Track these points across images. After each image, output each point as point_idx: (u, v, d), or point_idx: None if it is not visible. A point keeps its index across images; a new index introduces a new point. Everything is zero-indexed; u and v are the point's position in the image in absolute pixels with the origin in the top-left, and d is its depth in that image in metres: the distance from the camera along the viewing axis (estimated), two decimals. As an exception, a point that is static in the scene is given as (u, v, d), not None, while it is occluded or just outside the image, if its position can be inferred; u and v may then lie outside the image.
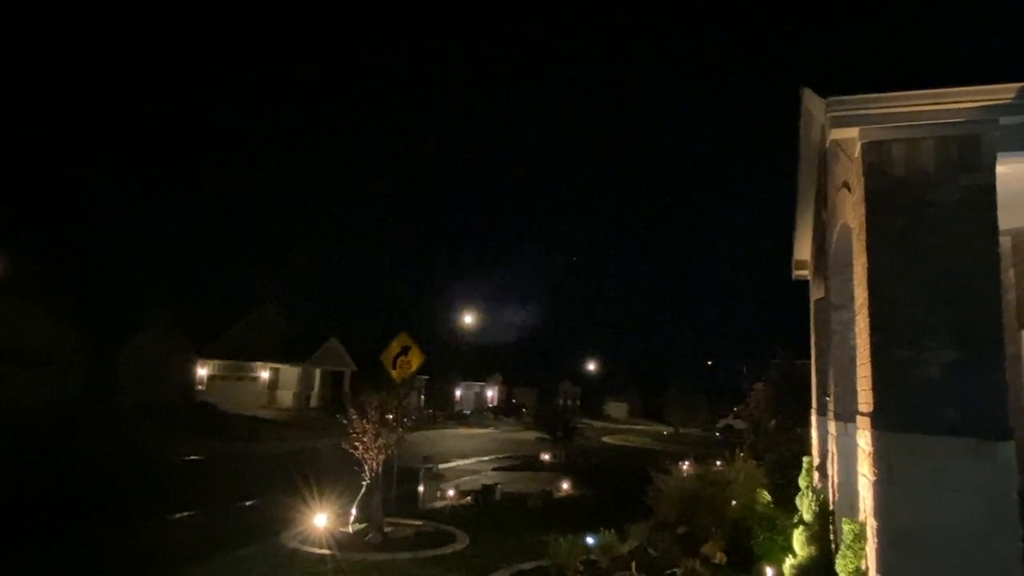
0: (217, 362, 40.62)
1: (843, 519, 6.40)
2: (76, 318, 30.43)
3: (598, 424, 53.29)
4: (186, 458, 20.67)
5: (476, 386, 63.86)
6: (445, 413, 48.29)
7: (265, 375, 42.99)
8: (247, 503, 13.30)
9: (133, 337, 33.25)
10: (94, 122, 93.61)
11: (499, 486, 14.75)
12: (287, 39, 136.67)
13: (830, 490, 9.20)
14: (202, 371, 39.50)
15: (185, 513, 11.98)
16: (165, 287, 42.15)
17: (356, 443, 10.44)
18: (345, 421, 10.57)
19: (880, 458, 5.14)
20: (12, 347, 27.60)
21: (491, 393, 67.35)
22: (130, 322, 33.79)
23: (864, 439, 5.57)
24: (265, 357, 42.15)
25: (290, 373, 43.64)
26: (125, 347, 32.65)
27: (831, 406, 8.99)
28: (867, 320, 5.46)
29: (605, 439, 39.92)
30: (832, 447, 8.95)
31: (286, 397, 43.04)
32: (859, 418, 5.89)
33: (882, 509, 5.09)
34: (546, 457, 22.94)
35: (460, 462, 22.39)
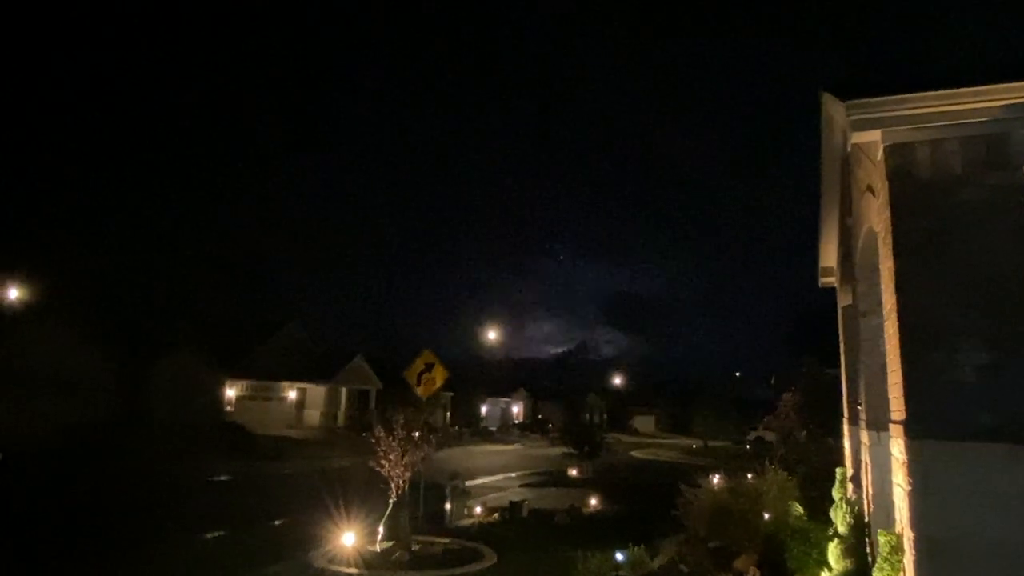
0: (245, 382, 41.07)
1: (879, 531, 6.23)
2: (108, 341, 31.01)
3: (625, 438, 52.78)
4: (215, 478, 20.87)
5: (501, 402, 63.66)
6: (471, 429, 48.20)
7: (292, 395, 43.35)
8: (275, 522, 13.37)
9: (163, 359, 33.79)
10: (124, 146, 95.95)
11: (527, 502, 14.64)
12: (318, 62, 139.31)
13: (865, 501, 8.97)
14: (230, 392, 39.94)
15: (215, 533, 12.07)
16: (193, 308, 42.92)
17: (383, 461, 10.46)
18: (372, 439, 10.59)
19: (914, 467, 5.00)
20: (46, 370, 28.18)
21: (516, 409, 67.04)
22: (160, 344, 34.38)
23: (897, 448, 5.43)
24: (292, 377, 42.54)
25: (317, 392, 43.95)
26: (155, 369, 33.17)
27: (863, 415, 8.79)
28: (897, 325, 5.33)
29: (633, 453, 39.52)
30: (865, 457, 8.75)
31: (313, 416, 43.31)
32: (892, 426, 5.75)
33: (918, 520, 4.95)
34: (573, 472, 22.78)
35: (487, 479, 22.29)
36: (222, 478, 21.09)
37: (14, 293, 31.75)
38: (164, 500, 16.40)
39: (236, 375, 39.62)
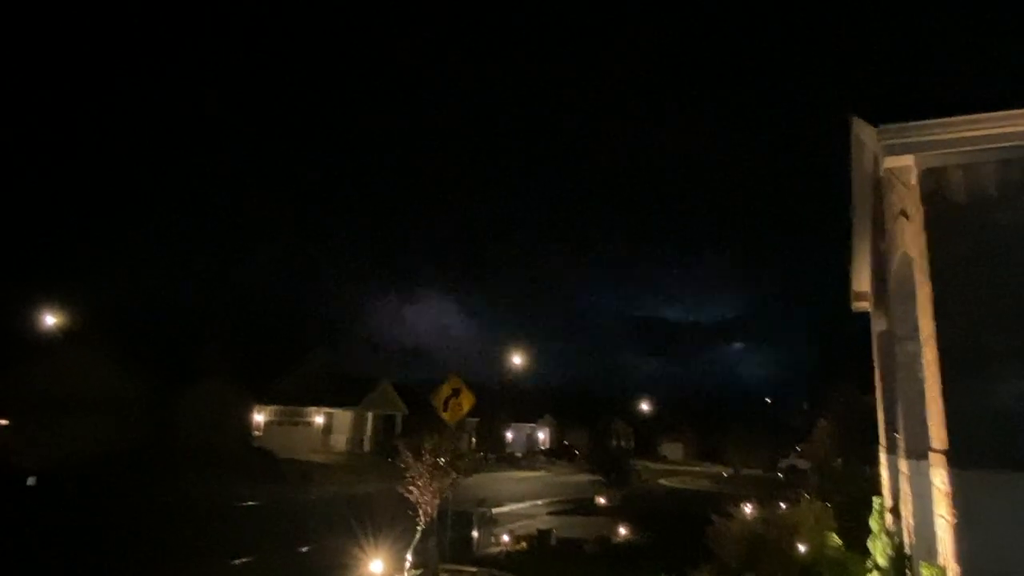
0: (273, 407, 41.43)
1: (921, 564, 6.04)
2: (141, 367, 31.58)
3: (653, 465, 51.97)
4: (244, 503, 20.97)
5: (527, 428, 63.18)
6: (496, 456, 47.87)
7: (319, 420, 43.57)
8: (303, 549, 13.37)
9: (194, 384, 34.28)
10: (156, 175, 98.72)
11: (554, 531, 14.46)
12: (357, 104, 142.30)
13: (905, 532, 8.70)
14: (259, 417, 40.30)
15: (243, 559, 12.11)
16: (224, 335, 43.54)
17: (411, 487, 10.43)
18: (401, 465, 10.58)
19: (958, 498, 4.85)
20: (79, 394, 28.78)
21: (542, 435, 66.46)
22: (191, 369, 34.92)
23: (940, 478, 5.28)
24: (319, 402, 42.80)
25: (343, 417, 44.12)
26: (186, 394, 33.66)
27: (901, 443, 8.57)
28: (935, 351, 5.23)
29: (662, 481, 38.87)
30: (905, 487, 8.50)
31: (340, 441, 43.44)
32: (932, 455, 5.60)
33: (963, 553, 4.79)
34: (601, 500, 22.46)
35: (513, 506, 22.08)
36: (250, 503, 21.19)
37: (50, 320, 32.63)
38: (193, 524, 16.53)
39: (264, 400, 40.01)
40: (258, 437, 39.01)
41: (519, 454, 54.05)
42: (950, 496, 4.93)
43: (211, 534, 15.24)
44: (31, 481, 19.17)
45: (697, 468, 55.38)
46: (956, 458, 4.93)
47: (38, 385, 27.76)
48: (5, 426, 26.73)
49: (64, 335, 30.36)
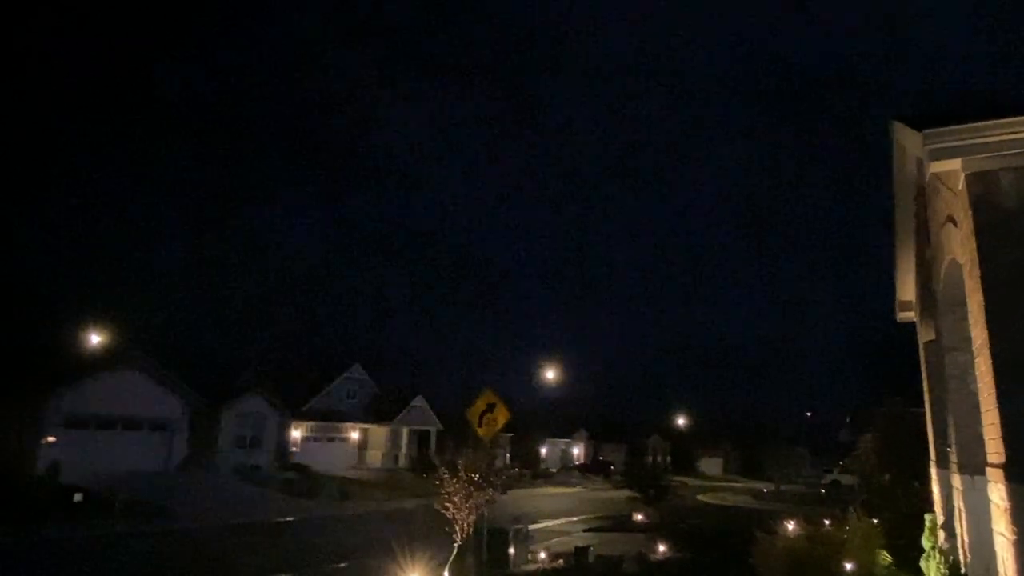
0: (309, 423, 41.86)
1: (980, 584, 5.78)
2: (183, 385, 32.24)
3: (691, 481, 51.06)
4: (282, 519, 21.16)
5: (561, 443, 62.66)
6: (531, 471, 47.54)
7: (355, 436, 43.89)
8: (341, 565, 13.41)
9: (233, 402, 34.86)
10: (195, 195, 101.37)
11: (592, 548, 14.25)
12: (378, 113, 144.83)
13: (960, 550, 8.36)
14: (295, 433, 40.74)
15: (282, 575, 12.18)
16: (261, 351, 44.32)
17: (447, 503, 10.40)
18: (437, 481, 10.56)
19: (1018, 515, 4.64)
20: (124, 413, 29.53)
21: (576, 450, 65.80)
22: (231, 387, 35.52)
23: (997, 494, 5.06)
24: (354, 418, 43.18)
25: (378, 433, 44.38)
26: (225, 412, 34.23)
27: (953, 457, 8.26)
28: (989, 362, 5.03)
29: (700, 497, 38.13)
30: (958, 503, 8.18)
31: (375, 457, 43.68)
32: (989, 470, 5.37)
33: (1027, 572, 4.57)
34: (639, 517, 22.09)
35: (550, 523, 21.86)
36: (289, 519, 21.37)
37: (95, 339, 33.55)
38: (233, 541, 16.71)
39: (301, 416, 40.46)
40: (295, 453, 39.42)
41: (554, 470, 53.61)
42: (1009, 512, 4.72)
43: (251, 551, 15.39)
44: (78, 498, 19.62)
45: (737, 484, 54.24)
46: (1015, 472, 4.72)
47: (86, 404, 28.52)
48: (53, 443, 27.47)
49: (110, 355, 31.14)
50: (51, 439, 27.00)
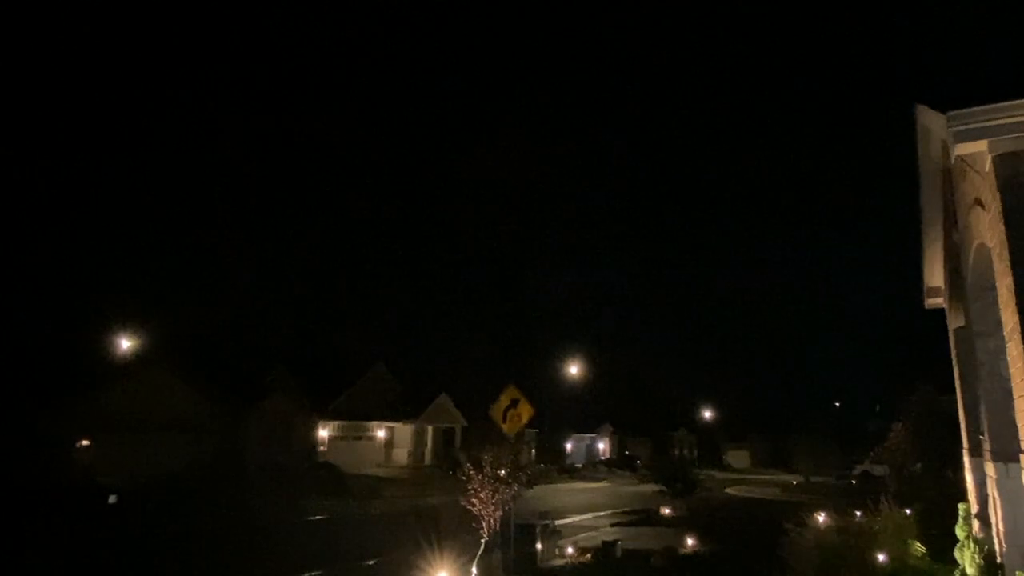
0: (336, 423, 42.31)
1: (1017, 573, 5.67)
2: (211, 386, 32.78)
3: (718, 475, 50.69)
4: (310, 518, 21.42)
5: (586, 438, 62.64)
6: (556, 467, 47.58)
7: (381, 434, 44.28)
8: (369, 562, 13.53)
9: (261, 402, 35.34)
10: (221, 197, 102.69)
11: (620, 542, 14.22)
12: (411, 114, 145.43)
13: (995, 540, 8.20)
14: (322, 432, 41.20)
15: (312, 573, 12.34)
16: (287, 352, 44.87)
17: (473, 499, 10.44)
18: (463, 477, 10.61)
19: (1056, 502, 4.54)
20: (158, 415, 30.10)
21: (602, 445, 65.71)
22: (258, 388, 36.04)
23: (1033, 481, 4.96)
24: (380, 416, 43.54)
25: (404, 431, 44.72)
26: (253, 412, 34.71)
27: (986, 445, 8.10)
28: (1021, 347, 4.93)
29: (728, 490, 37.86)
30: (993, 491, 8.02)
31: (401, 455, 44.03)
32: (1023, 457, 5.26)
33: (1065, 561, 4.46)
34: (666, 511, 21.99)
35: (576, 518, 21.85)
36: (317, 517, 21.62)
37: (125, 343, 34.26)
38: (263, 539, 16.95)
39: (327, 416, 40.90)
40: (322, 452, 39.87)
41: (579, 465, 53.59)
42: (1046, 501, 4.62)
43: (280, 548, 15.60)
44: (112, 499, 20.08)
45: (764, 476, 53.72)
46: (1051, 460, 4.61)
47: (118, 406, 29.15)
48: (87, 446, 28.13)
49: (141, 358, 31.80)
50: (85, 442, 27.64)
